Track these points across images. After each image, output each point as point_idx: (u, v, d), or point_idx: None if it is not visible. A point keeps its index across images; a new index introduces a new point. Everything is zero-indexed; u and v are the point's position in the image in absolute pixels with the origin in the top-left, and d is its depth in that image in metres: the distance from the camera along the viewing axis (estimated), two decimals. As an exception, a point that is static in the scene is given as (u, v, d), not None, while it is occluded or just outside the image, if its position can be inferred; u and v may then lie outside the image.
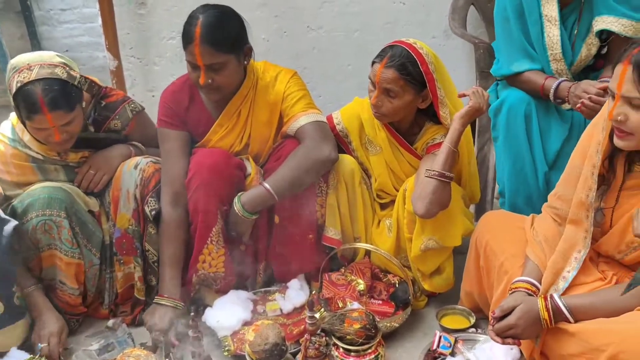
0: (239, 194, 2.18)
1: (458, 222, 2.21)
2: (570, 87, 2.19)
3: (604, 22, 2.25)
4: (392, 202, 2.34)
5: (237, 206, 2.15)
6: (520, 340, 1.77)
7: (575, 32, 2.32)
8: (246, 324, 2.13)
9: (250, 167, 2.29)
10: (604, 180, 1.82)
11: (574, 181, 1.81)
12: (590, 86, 2.12)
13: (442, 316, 2.20)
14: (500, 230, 2.03)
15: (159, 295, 2.21)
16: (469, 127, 2.35)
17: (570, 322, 1.68)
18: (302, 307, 2.23)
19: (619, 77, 1.59)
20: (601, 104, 1.95)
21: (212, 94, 2.20)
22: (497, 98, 2.46)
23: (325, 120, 2.31)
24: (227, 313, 2.12)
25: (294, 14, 3.23)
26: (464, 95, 2.15)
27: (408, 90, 2.16)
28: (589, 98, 2.08)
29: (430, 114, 2.30)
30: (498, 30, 2.44)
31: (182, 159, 2.27)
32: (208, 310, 2.17)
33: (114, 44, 3.07)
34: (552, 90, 2.24)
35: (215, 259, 2.22)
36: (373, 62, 2.19)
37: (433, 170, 2.07)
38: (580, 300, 1.70)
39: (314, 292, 2.27)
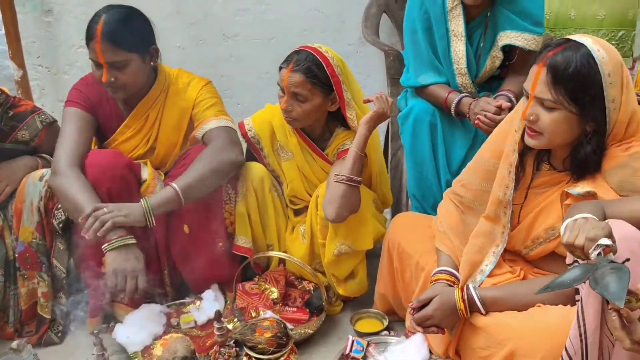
0: (146, 198, 2.11)
1: (369, 226, 2.25)
2: (470, 104, 2.27)
3: (507, 37, 2.33)
4: (306, 208, 2.36)
5: (144, 206, 2.06)
6: (439, 333, 1.81)
7: (481, 45, 2.39)
8: (158, 338, 2.09)
9: (147, 173, 2.25)
10: (516, 178, 1.88)
11: (479, 172, 1.89)
12: (487, 104, 2.21)
13: (356, 320, 2.23)
14: (411, 231, 2.09)
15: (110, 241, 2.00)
16: (377, 132, 2.41)
17: (482, 314, 1.75)
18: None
19: (533, 78, 1.65)
20: (497, 122, 2.04)
21: (117, 92, 2.19)
22: (407, 105, 2.53)
23: (234, 127, 2.30)
24: (137, 328, 2.08)
25: (209, 21, 3.20)
26: (369, 101, 2.19)
27: (316, 93, 2.19)
28: (485, 115, 2.17)
29: (340, 120, 2.34)
30: (406, 42, 2.50)
31: (83, 135, 2.20)
32: (118, 326, 2.12)
33: (17, 52, 2.94)
34: (453, 105, 2.32)
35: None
36: (280, 68, 2.22)
37: (341, 175, 2.10)
38: (492, 292, 1.76)
39: (228, 303, 2.25)
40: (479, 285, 1.82)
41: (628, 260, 1.33)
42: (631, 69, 2.44)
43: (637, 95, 2.37)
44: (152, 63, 2.23)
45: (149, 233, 2.18)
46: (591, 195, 1.60)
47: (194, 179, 2.12)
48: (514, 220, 1.86)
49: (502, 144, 1.83)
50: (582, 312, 1.44)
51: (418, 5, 2.39)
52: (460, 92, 2.37)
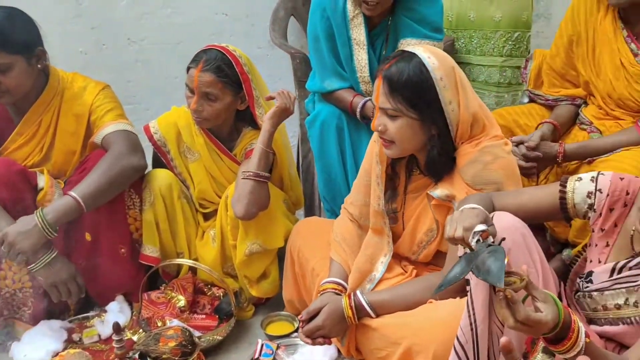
0: (42, 209, 2.02)
1: (280, 224, 2.26)
2: (374, 108, 2.30)
3: (408, 44, 2.36)
4: (216, 212, 2.33)
5: (38, 219, 1.99)
6: (325, 344, 1.84)
7: (384, 53, 2.42)
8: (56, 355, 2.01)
9: (44, 181, 2.16)
10: (394, 185, 1.94)
11: (361, 188, 1.96)
12: None
13: (267, 324, 2.22)
14: (311, 235, 2.12)
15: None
16: (285, 132, 2.42)
17: (372, 318, 1.77)
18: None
19: (376, 90, 1.73)
20: None
21: (2, 97, 2.09)
22: (314, 109, 2.54)
23: (133, 130, 2.24)
24: (35, 346, 1.99)
25: (113, 26, 3.12)
26: (272, 98, 2.20)
27: (227, 92, 2.18)
28: None
29: (248, 119, 2.33)
30: (310, 48, 2.51)
31: None
32: (15, 345, 2.02)
33: None
34: (358, 109, 2.36)
35: (17, 272, 2.09)
36: (189, 68, 2.19)
37: (248, 172, 2.10)
38: (380, 296, 1.80)
39: (134, 314, 2.19)
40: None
41: (504, 239, 1.39)
42: (524, 68, 2.54)
43: (531, 92, 2.49)
44: (39, 65, 2.13)
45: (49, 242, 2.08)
46: (450, 198, 1.68)
47: (94, 186, 2.05)
48: (399, 227, 1.92)
49: (372, 159, 1.90)
50: (472, 302, 1.49)
51: (320, 13, 2.40)
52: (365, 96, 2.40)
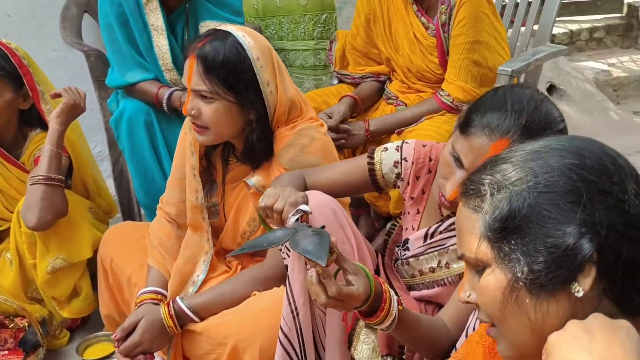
0: None
1: (84, 233, 2.04)
2: (181, 97, 2.17)
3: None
4: (9, 230, 2.04)
5: None
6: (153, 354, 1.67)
7: (186, 37, 2.30)
8: None
9: None
10: (211, 176, 1.83)
11: (175, 184, 1.81)
12: None
13: (84, 348, 2.00)
14: (125, 242, 1.92)
15: None
16: (82, 134, 2.20)
17: (196, 322, 1.65)
18: None
19: (188, 71, 1.59)
20: None
21: None
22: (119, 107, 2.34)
23: None
24: None
25: None
26: (58, 95, 1.98)
27: (5, 88, 1.97)
28: None
29: (35, 121, 2.10)
30: (105, 40, 2.31)
31: None
32: None
33: None
34: (164, 101, 2.21)
35: None
36: None
37: (38, 176, 1.88)
38: (201, 298, 1.67)
39: None
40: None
41: (324, 227, 1.33)
42: (329, 49, 2.55)
43: (338, 73, 2.51)
44: None
45: None
46: (265, 189, 1.61)
47: None
48: (222, 220, 1.82)
49: (185, 151, 1.77)
50: (291, 288, 1.42)
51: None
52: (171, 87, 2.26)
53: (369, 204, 2.39)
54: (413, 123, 2.14)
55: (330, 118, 2.15)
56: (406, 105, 2.28)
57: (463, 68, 2.12)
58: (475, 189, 0.84)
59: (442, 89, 2.16)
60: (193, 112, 1.61)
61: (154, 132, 2.27)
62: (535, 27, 2.55)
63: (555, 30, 4.61)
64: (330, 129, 2.08)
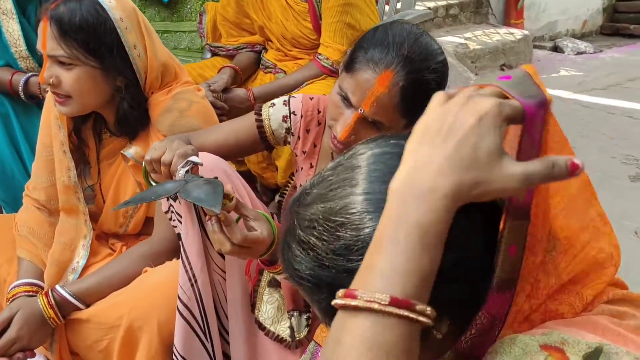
0: None
1: None
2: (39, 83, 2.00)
3: None
4: None
5: None
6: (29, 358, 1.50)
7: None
8: None
9: None
10: (83, 156, 1.68)
11: (42, 166, 1.66)
12: None
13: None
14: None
15: None
16: None
17: (82, 309, 1.51)
18: None
19: (42, 34, 1.45)
20: None
21: None
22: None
23: None
24: None
25: None
26: None
27: None
28: None
29: None
30: None
31: None
32: None
33: None
34: (20, 88, 2.02)
35: None
36: None
37: None
38: (85, 283, 1.53)
39: None
40: None
41: (216, 178, 1.27)
42: (199, 22, 2.45)
43: (211, 46, 2.42)
44: None
45: None
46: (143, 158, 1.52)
47: None
48: (100, 202, 1.69)
49: (50, 128, 1.62)
50: (186, 254, 1.34)
51: None
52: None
53: (256, 178, 2.33)
54: (296, 89, 2.11)
55: (210, 87, 2.07)
56: (285, 72, 2.25)
57: (338, 31, 2.12)
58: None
59: (320, 53, 2.15)
60: (52, 80, 1.46)
61: (11, 124, 2.09)
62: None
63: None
64: (213, 97, 2.01)
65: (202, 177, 1.19)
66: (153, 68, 1.54)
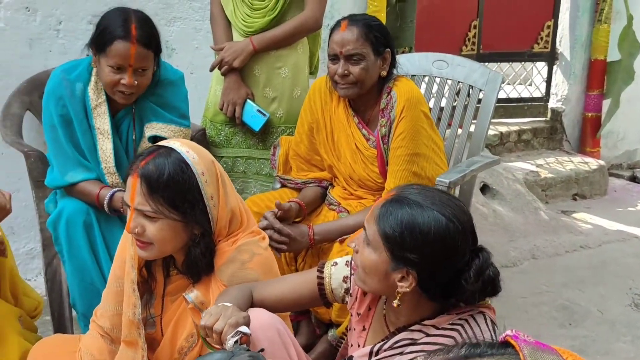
0: None
1: (10, 345, 1.93)
2: (123, 198, 2.16)
3: (154, 128, 2.31)
4: None
5: None
6: None
7: (133, 138, 2.32)
8: None
9: None
10: (150, 288, 1.79)
11: (111, 296, 1.76)
12: None
13: None
14: (54, 358, 1.81)
15: None
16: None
17: None
18: None
19: (131, 189, 1.58)
20: None
21: None
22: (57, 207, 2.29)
23: None
24: None
25: None
26: None
27: None
28: None
29: None
30: (48, 139, 2.30)
31: None
32: None
33: None
34: (106, 202, 2.19)
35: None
36: None
37: None
38: None
39: None
40: None
41: (263, 350, 1.32)
42: (272, 155, 2.58)
43: (281, 178, 2.54)
44: None
45: None
46: (203, 306, 1.60)
47: None
48: (158, 333, 1.77)
49: (124, 263, 1.74)
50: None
51: (55, 101, 2.23)
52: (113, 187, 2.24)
53: (310, 310, 2.37)
54: (356, 231, 2.17)
55: (276, 215, 2.17)
56: (348, 211, 2.32)
57: (403, 179, 2.19)
58: None
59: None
60: (137, 230, 1.59)
61: (93, 233, 2.22)
62: (472, 128, 2.68)
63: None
64: (274, 229, 2.11)
65: (248, 349, 1.25)
66: (222, 217, 1.64)
